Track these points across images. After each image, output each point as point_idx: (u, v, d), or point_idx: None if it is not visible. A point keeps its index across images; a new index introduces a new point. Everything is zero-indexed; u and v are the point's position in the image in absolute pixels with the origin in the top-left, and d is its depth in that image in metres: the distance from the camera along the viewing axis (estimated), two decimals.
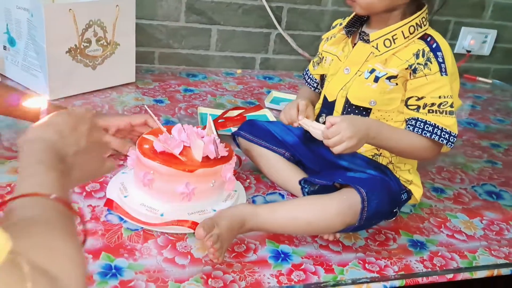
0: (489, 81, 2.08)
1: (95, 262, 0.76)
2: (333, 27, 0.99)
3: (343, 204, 0.79)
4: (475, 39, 2.03)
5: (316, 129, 0.86)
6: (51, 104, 0.74)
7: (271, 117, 1.34)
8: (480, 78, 2.09)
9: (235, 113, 1.27)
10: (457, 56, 2.04)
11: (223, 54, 1.74)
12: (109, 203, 0.87)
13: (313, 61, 1.06)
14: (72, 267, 0.41)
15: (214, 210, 0.87)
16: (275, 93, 1.55)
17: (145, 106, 0.90)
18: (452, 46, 2.03)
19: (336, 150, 0.80)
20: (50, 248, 0.41)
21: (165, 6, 1.61)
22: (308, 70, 1.07)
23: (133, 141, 1.04)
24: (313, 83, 1.06)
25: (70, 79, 1.30)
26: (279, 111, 1.43)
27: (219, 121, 1.24)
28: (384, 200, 0.81)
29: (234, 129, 1.17)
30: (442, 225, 0.99)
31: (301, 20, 1.76)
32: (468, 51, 2.05)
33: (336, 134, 0.79)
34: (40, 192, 0.46)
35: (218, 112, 1.31)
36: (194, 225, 0.83)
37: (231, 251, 0.82)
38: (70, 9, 1.23)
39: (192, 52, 1.70)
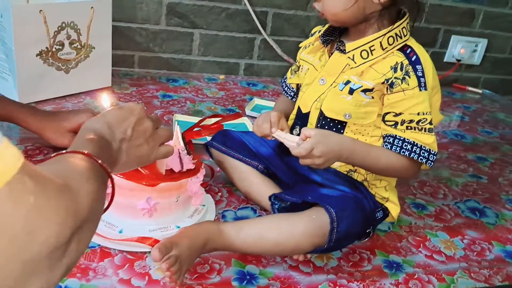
0: (479, 91, 2.04)
1: None
2: (312, 35, 0.95)
3: (312, 224, 0.75)
4: (465, 48, 1.99)
5: (290, 141, 0.82)
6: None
7: (250, 126, 1.30)
8: (470, 88, 2.05)
9: (212, 121, 1.22)
10: (447, 65, 2.02)
11: (205, 59, 1.70)
12: None
13: (291, 69, 1.01)
14: (88, 190, 0.43)
15: (178, 227, 0.82)
16: (257, 101, 1.50)
17: (106, 97, 0.85)
18: (442, 55, 1.99)
19: (301, 162, 0.78)
20: (71, 173, 0.44)
21: (145, 9, 1.56)
22: (286, 78, 1.03)
23: None
24: (290, 92, 1.01)
25: (41, 83, 1.25)
26: None
27: (195, 129, 1.19)
28: (356, 221, 0.76)
29: (209, 138, 1.12)
30: (421, 245, 0.94)
31: (286, 26, 1.72)
32: (458, 60, 2.01)
33: (310, 150, 0.76)
34: (75, 150, 0.49)
35: (195, 119, 1.26)
36: (155, 243, 0.78)
37: (193, 271, 0.77)
38: (40, 10, 1.18)
39: (173, 56, 1.66)
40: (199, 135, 1.17)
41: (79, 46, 1.31)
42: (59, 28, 1.24)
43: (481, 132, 1.59)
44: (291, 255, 0.81)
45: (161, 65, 1.66)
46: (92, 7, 1.29)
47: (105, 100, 0.83)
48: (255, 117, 1.38)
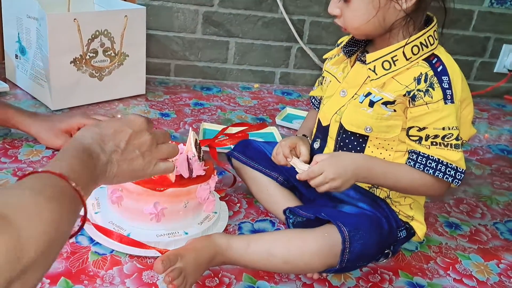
0: None
1: None
2: (338, 45, 0.91)
3: (324, 243, 0.70)
4: None
5: (300, 170, 0.80)
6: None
7: (277, 135, 1.27)
8: None
9: (235, 130, 1.20)
10: (497, 76, 1.90)
11: (241, 68, 1.69)
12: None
13: (318, 80, 0.98)
14: (39, 225, 0.38)
15: (186, 233, 0.81)
16: (289, 110, 1.47)
17: None
18: (492, 64, 1.88)
19: (319, 190, 0.75)
20: (21, 203, 0.40)
21: (182, 18, 1.57)
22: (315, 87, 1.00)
23: None
24: (317, 104, 0.98)
25: (74, 89, 1.28)
26: (290, 129, 1.36)
27: (220, 137, 1.17)
28: (371, 241, 0.71)
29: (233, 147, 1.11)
30: (450, 267, 0.87)
31: (324, 34, 1.68)
32: (510, 70, 1.89)
33: (318, 173, 0.74)
34: (50, 169, 0.46)
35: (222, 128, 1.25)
36: (165, 250, 0.77)
37: (201, 285, 0.75)
38: (74, 19, 1.21)
39: (208, 65, 1.66)
40: (223, 144, 1.15)
41: (112, 54, 1.33)
42: (93, 36, 1.27)
43: None
44: (302, 273, 0.77)
45: (196, 73, 1.66)
46: (126, 15, 1.31)
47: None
48: (286, 127, 1.36)
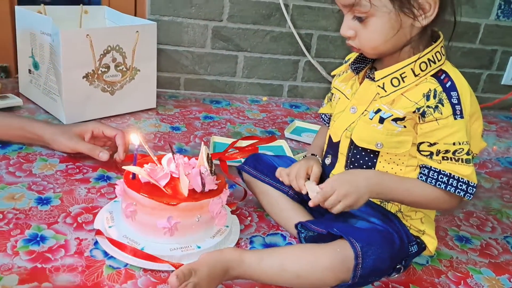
0: None
1: None
2: (346, 62, 0.92)
3: (336, 258, 0.71)
4: None
5: (313, 193, 0.81)
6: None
7: (287, 149, 1.28)
8: None
9: (245, 143, 1.22)
10: (504, 88, 1.91)
11: (249, 81, 1.70)
12: (100, 233, 0.85)
13: (327, 96, 0.99)
14: None
15: (199, 247, 0.82)
16: (297, 123, 1.48)
17: (136, 136, 0.88)
18: (499, 77, 1.89)
19: (334, 210, 0.76)
20: None
21: (191, 33, 1.59)
22: (323, 104, 1.01)
23: (107, 148, 1.10)
24: (327, 120, 0.99)
25: (87, 104, 1.30)
26: (299, 142, 1.37)
27: (230, 151, 1.19)
28: (383, 256, 0.72)
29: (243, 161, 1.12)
30: (462, 282, 0.88)
31: (331, 47, 1.70)
32: None
33: (331, 193, 0.75)
34: None
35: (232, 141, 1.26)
36: (178, 264, 0.78)
37: None
38: (87, 35, 1.23)
39: (217, 79, 1.68)
40: (234, 157, 1.16)
41: (124, 69, 1.35)
42: (105, 52, 1.29)
43: None
44: None
45: (206, 87, 1.68)
46: (137, 31, 1.34)
47: (135, 139, 0.86)
48: (295, 140, 1.37)
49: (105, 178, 1.05)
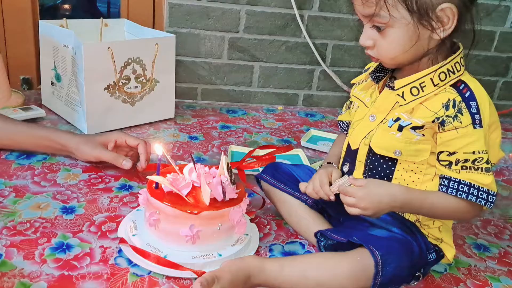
0: None
1: None
2: (365, 71, 0.94)
3: (356, 266, 0.72)
4: None
5: (341, 181, 0.83)
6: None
7: (304, 158, 1.30)
8: None
9: (263, 152, 1.23)
10: None
11: (265, 91, 1.73)
12: (123, 241, 0.87)
13: (345, 104, 1.01)
14: None
15: (220, 255, 0.84)
16: (313, 132, 1.50)
17: (159, 146, 0.90)
18: None
19: (349, 211, 0.77)
20: None
21: (208, 44, 1.62)
22: (341, 112, 1.03)
23: (129, 157, 1.13)
24: (345, 127, 1.01)
25: (108, 115, 1.34)
26: (316, 151, 1.38)
27: (247, 159, 1.20)
28: (403, 264, 0.73)
29: (261, 169, 1.13)
30: None
31: (346, 56, 1.72)
32: None
33: (351, 195, 0.77)
34: None
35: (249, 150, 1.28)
36: (201, 272, 0.80)
37: None
38: (109, 48, 1.27)
39: (234, 88, 1.70)
40: (251, 166, 1.18)
41: (144, 80, 1.38)
42: (126, 64, 1.32)
43: None
44: None
45: (222, 97, 1.71)
46: (156, 43, 1.37)
47: (158, 149, 0.88)
48: (311, 149, 1.39)
49: (127, 187, 1.08)
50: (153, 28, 1.66)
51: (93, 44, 1.27)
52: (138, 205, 0.99)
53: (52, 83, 1.44)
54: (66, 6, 1.99)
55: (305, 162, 1.27)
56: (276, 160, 1.19)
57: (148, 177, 0.87)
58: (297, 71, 1.71)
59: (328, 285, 0.74)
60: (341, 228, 0.87)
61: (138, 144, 1.10)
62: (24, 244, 0.85)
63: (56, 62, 1.39)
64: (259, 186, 1.04)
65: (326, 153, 1.36)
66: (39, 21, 1.42)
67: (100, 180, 1.10)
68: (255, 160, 1.21)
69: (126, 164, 1.07)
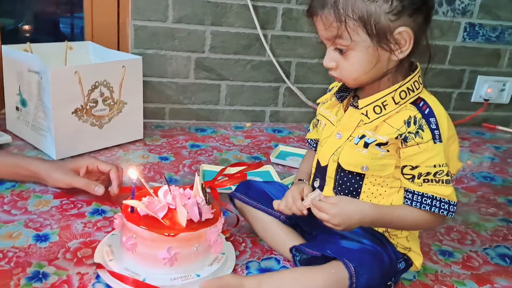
0: (510, 130, 2.02)
1: None
2: (329, 90, 0.98)
3: (331, 279, 0.76)
4: (492, 88, 1.98)
5: (313, 195, 0.86)
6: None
7: (274, 174, 1.33)
8: (500, 127, 2.03)
9: (234, 170, 1.26)
10: (474, 105, 2.01)
11: (232, 108, 1.76)
12: (100, 266, 0.87)
13: (312, 122, 1.05)
14: None
15: (198, 275, 0.85)
16: (282, 147, 1.54)
17: (134, 171, 0.91)
18: (469, 95, 1.99)
19: (324, 224, 0.82)
20: None
21: (175, 64, 1.64)
22: (308, 130, 1.06)
23: (100, 181, 1.13)
24: (313, 144, 1.04)
25: (76, 138, 1.33)
26: (285, 166, 1.42)
27: (219, 178, 1.22)
28: (375, 275, 0.77)
29: (234, 187, 1.16)
30: None
31: (310, 73, 1.77)
32: (486, 100, 2.00)
33: (325, 211, 0.81)
34: None
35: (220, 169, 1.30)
36: None
37: None
38: (76, 72, 1.27)
39: (201, 107, 1.73)
40: (223, 185, 1.20)
41: (112, 103, 1.39)
42: (93, 87, 1.33)
43: None
44: None
45: (190, 116, 1.73)
46: (123, 66, 1.38)
47: (132, 174, 0.89)
48: (280, 164, 1.42)
49: (100, 212, 1.08)
50: (118, 49, 1.66)
51: (60, 69, 1.27)
52: (113, 229, 1.00)
53: (17, 108, 1.42)
54: (27, 27, 1.97)
55: (276, 178, 1.30)
56: (248, 178, 1.21)
57: (124, 201, 0.87)
58: (263, 88, 1.75)
59: None
60: (315, 242, 0.90)
61: (110, 170, 1.10)
62: None
63: (21, 87, 1.38)
64: (232, 204, 1.06)
65: (295, 168, 1.40)
66: (2, 46, 1.41)
67: (72, 205, 1.09)
68: (227, 178, 1.23)
69: (99, 190, 1.08)
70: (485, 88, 1.98)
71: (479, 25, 1.88)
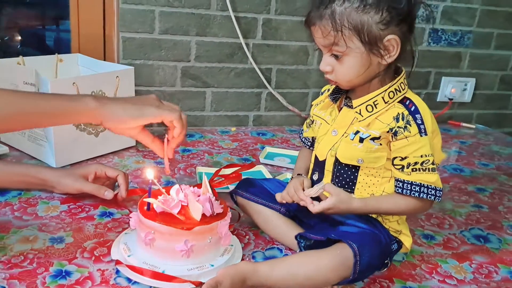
0: (473, 126, 2.18)
1: None
2: (322, 93, 1.08)
3: (337, 259, 0.85)
4: (456, 88, 2.14)
5: (316, 187, 0.95)
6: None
7: (266, 173, 1.41)
8: (464, 124, 2.19)
9: (229, 170, 1.34)
10: (440, 104, 2.16)
11: (217, 114, 1.84)
12: (119, 262, 0.93)
13: (306, 122, 1.14)
14: None
15: (212, 265, 0.93)
16: (268, 149, 1.63)
17: (151, 171, 0.97)
18: (435, 95, 2.14)
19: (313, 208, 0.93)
20: None
21: (162, 73, 1.71)
22: (302, 131, 1.16)
23: (108, 187, 1.17)
24: (307, 142, 1.14)
25: (74, 147, 1.38)
26: (274, 166, 1.51)
27: (215, 179, 1.30)
28: (375, 253, 0.86)
29: (231, 186, 1.24)
30: (433, 271, 1.04)
31: (289, 79, 1.87)
32: (450, 99, 2.16)
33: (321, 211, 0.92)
34: None
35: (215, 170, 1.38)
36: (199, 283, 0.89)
37: None
38: (74, 83, 1.32)
39: (188, 114, 1.80)
40: (221, 184, 1.28)
41: None
42: None
43: (479, 165, 1.71)
44: (321, 287, 0.90)
45: None
46: (117, 76, 1.44)
47: (150, 174, 0.96)
48: (270, 164, 1.51)
49: (108, 214, 1.14)
50: (104, 60, 1.72)
51: (59, 80, 1.32)
52: (123, 229, 1.06)
53: None
54: (14, 40, 1.98)
55: (268, 176, 1.39)
56: (243, 177, 1.29)
57: (145, 199, 0.94)
58: (246, 94, 1.84)
59: (314, 279, 0.86)
60: (316, 229, 0.99)
61: (117, 175, 1.16)
62: (24, 275, 0.89)
63: None
64: (233, 202, 1.14)
65: (283, 167, 1.50)
66: None
67: (80, 209, 1.15)
68: (223, 179, 1.31)
69: (108, 194, 1.13)
70: (449, 88, 2.14)
71: (442, 30, 2.04)
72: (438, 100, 2.15)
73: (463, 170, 1.65)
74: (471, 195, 1.45)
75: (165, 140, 1.05)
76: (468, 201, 1.41)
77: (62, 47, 1.84)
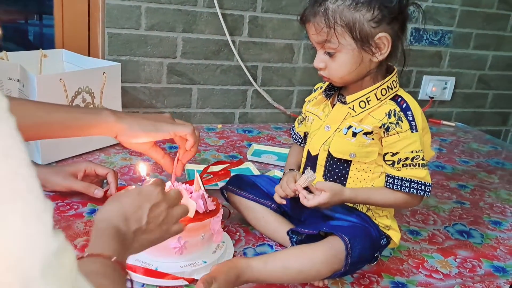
0: (453, 124, 2.23)
1: None
2: (314, 90, 1.10)
3: (329, 252, 0.86)
4: (436, 86, 2.19)
5: (307, 174, 0.95)
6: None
7: (254, 169, 1.42)
8: (444, 122, 2.24)
9: (217, 168, 1.34)
10: (421, 103, 2.20)
11: (203, 111, 1.84)
12: None
13: (298, 119, 1.15)
14: None
15: (205, 262, 0.94)
16: (255, 146, 1.63)
17: (144, 166, 0.98)
18: (416, 93, 2.18)
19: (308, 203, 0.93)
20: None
21: (148, 70, 1.70)
22: (294, 127, 1.17)
23: (97, 185, 1.16)
24: (298, 139, 1.15)
25: (60, 144, 1.36)
26: (261, 163, 1.52)
27: (204, 175, 1.30)
28: (366, 246, 0.88)
29: (220, 183, 1.24)
30: (420, 266, 1.06)
31: (275, 77, 1.89)
32: (431, 97, 2.20)
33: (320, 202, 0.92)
34: (104, 254, 0.57)
35: (203, 167, 1.38)
36: (192, 279, 0.89)
37: None
38: (60, 79, 1.30)
39: (174, 111, 1.79)
40: (210, 182, 1.28)
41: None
42: (76, 93, 1.36)
43: (459, 162, 1.76)
44: (313, 281, 0.92)
45: None
46: (104, 72, 1.43)
47: (142, 169, 0.96)
48: (257, 161, 1.52)
49: (97, 211, 1.13)
50: (89, 56, 1.70)
51: (45, 76, 1.30)
52: None
53: None
54: None
55: (257, 173, 1.40)
56: (239, 174, 1.30)
57: None
58: (232, 91, 1.85)
59: (307, 272, 0.87)
60: (307, 224, 1.00)
61: (107, 173, 1.15)
62: None
63: None
64: (224, 198, 1.15)
65: (271, 164, 1.51)
66: None
67: (69, 207, 1.14)
68: (212, 176, 1.31)
69: (98, 193, 1.12)
70: (430, 87, 2.18)
71: (423, 30, 2.08)
72: (419, 98, 2.20)
73: (444, 167, 1.69)
74: (453, 192, 1.49)
75: (176, 158, 1.06)
76: (451, 197, 1.45)
77: (45, 42, 1.81)
